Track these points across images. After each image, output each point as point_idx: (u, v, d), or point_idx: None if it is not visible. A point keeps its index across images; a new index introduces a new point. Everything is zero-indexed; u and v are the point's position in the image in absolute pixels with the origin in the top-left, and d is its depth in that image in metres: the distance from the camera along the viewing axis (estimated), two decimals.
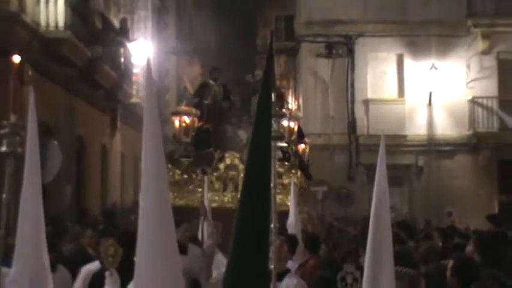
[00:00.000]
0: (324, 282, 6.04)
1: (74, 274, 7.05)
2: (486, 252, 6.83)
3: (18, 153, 3.88)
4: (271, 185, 2.71)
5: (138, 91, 22.48)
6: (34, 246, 4.06)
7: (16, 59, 4.98)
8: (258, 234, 2.57)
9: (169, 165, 13.31)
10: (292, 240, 8.38)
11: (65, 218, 12.46)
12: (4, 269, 5.04)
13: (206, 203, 9.45)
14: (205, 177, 10.83)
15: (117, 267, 5.82)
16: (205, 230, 8.84)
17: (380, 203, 3.57)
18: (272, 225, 3.19)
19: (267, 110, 2.73)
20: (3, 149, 3.85)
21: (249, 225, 2.57)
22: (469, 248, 7.19)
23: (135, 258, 2.77)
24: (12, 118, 3.81)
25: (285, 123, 12.77)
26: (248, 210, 2.59)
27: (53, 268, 5.15)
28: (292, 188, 10.39)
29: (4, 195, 4.02)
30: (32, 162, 4.03)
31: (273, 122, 2.86)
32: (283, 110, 13.16)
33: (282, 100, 14.75)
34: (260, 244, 2.58)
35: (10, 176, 3.78)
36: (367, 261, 3.54)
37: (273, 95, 2.83)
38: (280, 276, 6.31)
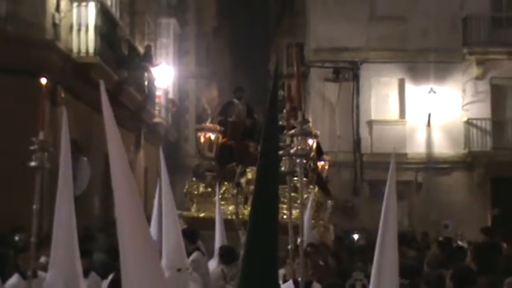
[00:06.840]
0: None
1: None
2: (481, 261, 6.77)
3: (47, 168, 3.84)
4: (298, 201, 2.64)
5: (160, 112, 22.47)
6: (67, 253, 4.02)
7: (43, 81, 4.94)
8: (267, 246, 2.50)
9: (194, 179, 13.07)
10: None
11: (93, 228, 12.37)
12: (41, 273, 4.97)
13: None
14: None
15: None
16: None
17: (388, 218, 3.48)
18: (300, 240, 3.13)
19: (274, 128, 2.66)
20: (33, 163, 3.82)
21: (259, 237, 2.50)
22: (468, 258, 7.15)
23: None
24: (41, 135, 3.78)
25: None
26: (259, 222, 2.52)
27: (86, 274, 5.07)
28: (310, 202, 10.21)
29: (34, 206, 3.99)
30: (65, 176, 3.98)
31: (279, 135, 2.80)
32: (304, 127, 12.86)
33: (295, 112, 14.41)
34: (269, 254, 2.51)
35: (39, 188, 3.75)
36: (373, 270, 3.44)
37: (278, 115, 2.79)
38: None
